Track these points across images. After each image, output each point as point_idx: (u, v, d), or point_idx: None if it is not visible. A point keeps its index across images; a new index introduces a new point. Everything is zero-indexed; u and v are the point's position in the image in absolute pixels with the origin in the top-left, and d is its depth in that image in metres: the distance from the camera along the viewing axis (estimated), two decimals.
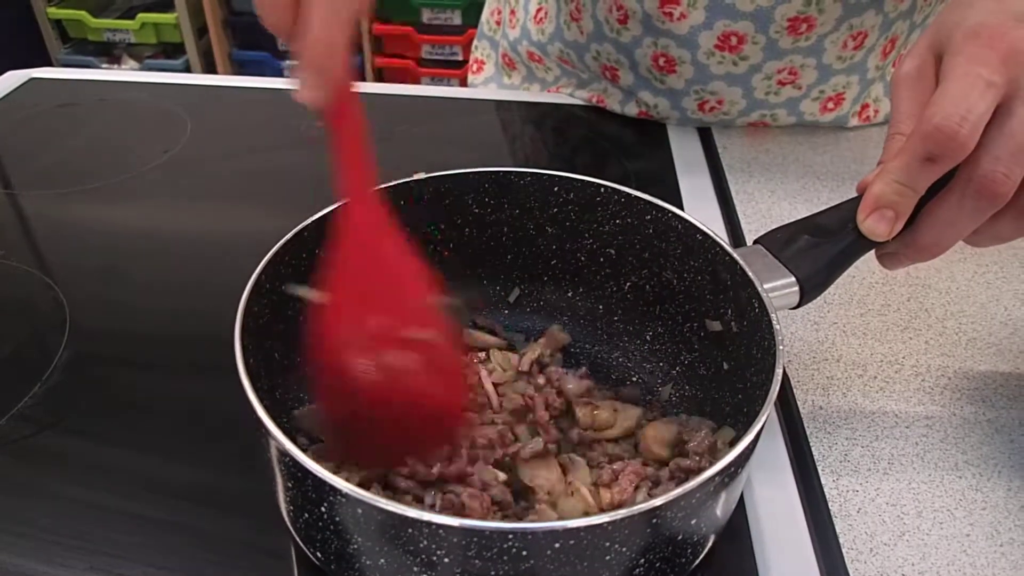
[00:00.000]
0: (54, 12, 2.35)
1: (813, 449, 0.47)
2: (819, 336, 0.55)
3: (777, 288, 0.43)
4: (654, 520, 0.32)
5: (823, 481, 0.45)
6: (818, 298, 0.45)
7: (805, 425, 0.48)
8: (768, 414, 0.34)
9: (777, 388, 0.36)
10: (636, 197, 0.48)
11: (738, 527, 0.42)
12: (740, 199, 0.69)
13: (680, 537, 0.35)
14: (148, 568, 0.39)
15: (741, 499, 0.43)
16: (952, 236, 0.41)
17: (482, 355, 0.50)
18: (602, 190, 0.49)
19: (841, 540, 0.42)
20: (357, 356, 0.37)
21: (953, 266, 0.61)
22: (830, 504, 0.43)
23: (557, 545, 0.30)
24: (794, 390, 0.50)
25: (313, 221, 0.45)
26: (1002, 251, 0.63)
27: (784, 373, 0.39)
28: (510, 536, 0.30)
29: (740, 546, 0.41)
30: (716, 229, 0.46)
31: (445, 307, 0.39)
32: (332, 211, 0.45)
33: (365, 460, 0.40)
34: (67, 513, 0.42)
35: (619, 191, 0.48)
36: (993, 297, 0.58)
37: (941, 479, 0.45)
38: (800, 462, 0.46)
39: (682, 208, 0.46)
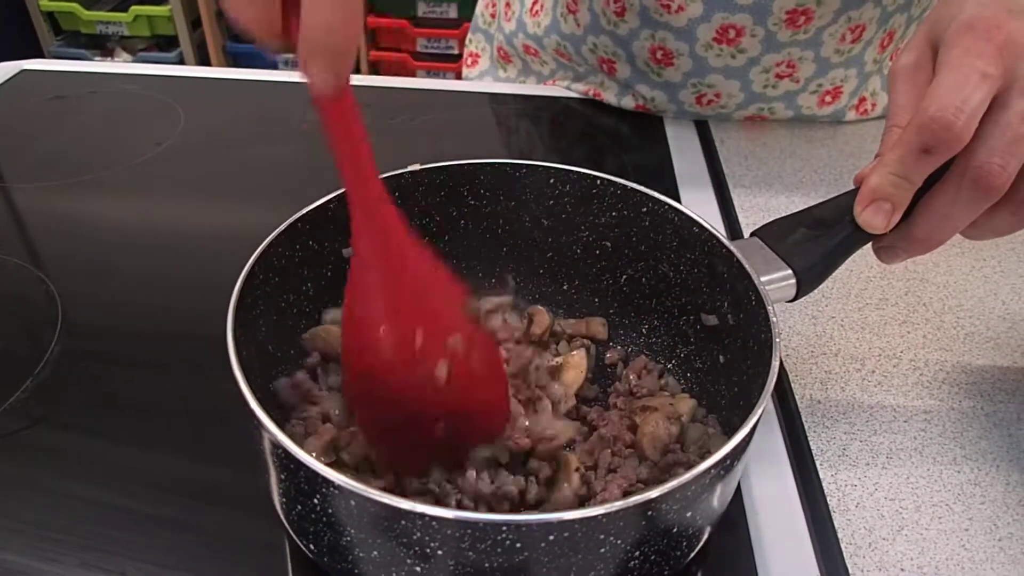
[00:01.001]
0: (46, 4, 2.33)
1: (811, 443, 0.46)
2: (817, 330, 0.55)
3: (774, 281, 0.42)
4: (649, 512, 0.32)
5: (821, 475, 0.44)
6: (816, 292, 0.45)
7: (803, 419, 0.48)
8: (764, 407, 0.34)
9: (774, 381, 0.35)
10: (632, 189, 0.48)
11: (736, 521, 0.42)
12: (737, 192, 0.69)
13: (675, 530, 0.34)
14: (140, 563, 0.39)
15: (739, 494, 0.43)
16: (948, 229, 0.41)
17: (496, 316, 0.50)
18: (598, 182, 0.49)
19: (839, 535, 0.41)
20: (396, 369, 0.36)
21: (951, 260, 0.61)
22: (828, 498, 0.43)
23: (552, 537, 0.30)
24: (792, 384, 0.50)
25: (306, 213, 0.45)
26: (1000, 245, 0.63)
27: (782, 367, 0.39)
28: (504, 528, 0.30)
29: (738, 541, 0.41)
30: (713, 222, 0.45)
31: (473, 308, 0.38)
32: (327, 203, 0.45)
33: (412, 467, 0.39)
34: (58, 508, 0.42)
35: (615, 183, 0.48)
36: (991, 291, 0.58)
37: (940, 473, 0.45)
38: (798, 456, 0.46)
39: (679, 201, 0.46)
